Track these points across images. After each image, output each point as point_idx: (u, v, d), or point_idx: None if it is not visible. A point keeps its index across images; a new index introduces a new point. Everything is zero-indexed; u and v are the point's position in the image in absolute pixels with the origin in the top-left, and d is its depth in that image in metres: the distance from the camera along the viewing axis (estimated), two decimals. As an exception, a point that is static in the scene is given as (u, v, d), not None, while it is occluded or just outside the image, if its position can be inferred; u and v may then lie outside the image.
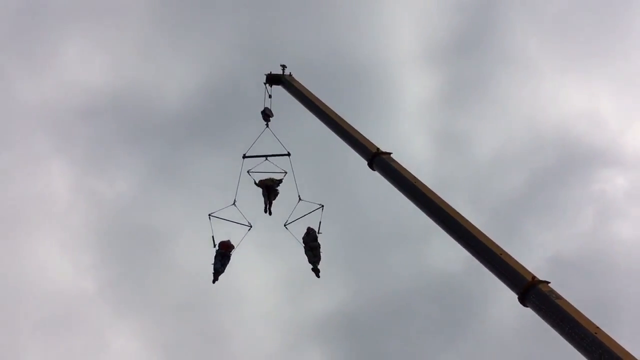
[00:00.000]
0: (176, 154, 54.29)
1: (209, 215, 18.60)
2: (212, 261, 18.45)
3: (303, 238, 18.62)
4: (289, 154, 19.46)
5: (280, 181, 19.08)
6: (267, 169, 19.37)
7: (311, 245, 18.21)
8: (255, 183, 19.05)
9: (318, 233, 18.50)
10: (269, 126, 20.40)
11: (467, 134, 55.72)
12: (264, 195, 18.86)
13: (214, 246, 18.60)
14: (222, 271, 18.43)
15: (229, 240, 18.74)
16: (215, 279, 18.20)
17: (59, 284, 51.06)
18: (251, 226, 19.02)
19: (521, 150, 52.79)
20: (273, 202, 18.95)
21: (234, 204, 19.02)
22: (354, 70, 56.51)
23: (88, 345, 54.06)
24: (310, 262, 18.22)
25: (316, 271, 18.21)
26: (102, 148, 54.61)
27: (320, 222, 18.51)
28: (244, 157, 19.32)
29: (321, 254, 18.37)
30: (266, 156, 19.35)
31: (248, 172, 19.19)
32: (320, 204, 18.77)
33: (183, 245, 47.96)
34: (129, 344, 52.76)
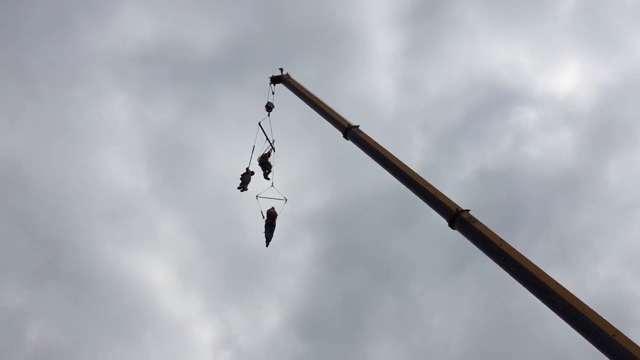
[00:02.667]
0: (207, 91, 75.17)
1: (257, 196, 23.10)
2: (263, 230, 22.66)
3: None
4: (274, 149, 24.51)
5: (269, 154, 23.54)
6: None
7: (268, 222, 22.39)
8: (258, 164, 23.48)
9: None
10: (270, 116, 24.94)
11: (421, 79, 76.85)
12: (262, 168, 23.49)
13: (263, 218, 22.74)
14: (271, 237, 22.60)
15: (273, 208, 22.92)
16: (267, 245, 22.49)
17: (120, 184, 70.88)
18: (286, 199, 23.34)
19: (459, 92, 71.82)
20: (270, 170, 23.42)
21: (272, 185, 23.70)
22: (336, 30, 75.81)
23: (142, 229, 75.01)
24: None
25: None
26: (151, 85, 75.23)
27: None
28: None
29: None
30: (266, 137, 23.93)
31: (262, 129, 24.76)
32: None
33: (211, 158, 69.61)
34: (172, 229, 72.92)
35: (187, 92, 76.22)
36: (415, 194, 15.99)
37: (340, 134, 19.45)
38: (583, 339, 11.63)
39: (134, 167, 74.31)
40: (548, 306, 12.24)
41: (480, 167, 71.01)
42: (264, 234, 22.38)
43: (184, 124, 74.65)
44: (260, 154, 24.14)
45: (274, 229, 22.55)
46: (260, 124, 24.34)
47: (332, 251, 74.05)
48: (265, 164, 23.74)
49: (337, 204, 68.36)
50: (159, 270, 77.82)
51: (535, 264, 12.97)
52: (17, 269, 64.98)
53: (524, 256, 13.17)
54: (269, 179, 23.75)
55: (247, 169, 24.14)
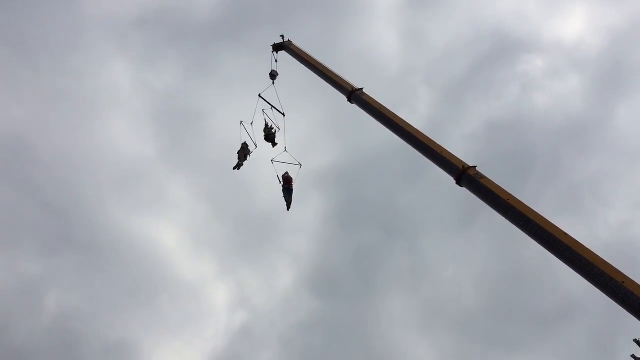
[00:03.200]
0: (209, 52, 73.45)
1: (272, 160, 23.36)
2: (282, 194, 22.93)
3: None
4: (283, 115, 24.09)
5: (271, 127, 23.61)
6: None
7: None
8: (264, 137, 23.51)
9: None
10: (275, 84, 24.79)
11: (424, 31, 74.48)
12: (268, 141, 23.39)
13: (280, 183, 22.98)
14: (291, 201, 22.89)
15: (287, 173, 23.11)
16: (288, 209, 22.81)
17: (128, 151, 71.03)
18: (301, 165, 23.41)
19: (464, 42, 69.65)
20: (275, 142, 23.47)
21: (285, 150, 23.68)
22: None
23: (152, 195, 74.75)
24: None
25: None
26: (151, 49, 72.72)
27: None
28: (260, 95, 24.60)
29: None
30: (272, 106, 23.80)
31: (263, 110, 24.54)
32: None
33: (216, 121, 66.65)
34: (182, 193, 72.85)
35: (188, 54, 75.13)
36: (422, 153, 16.06)
37: (345, 98, 19.47)
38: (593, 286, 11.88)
39: (140, 133, 74.40)
40: (557, 257, 12.42)
41: (487, 119, 70.99)
42: (283, 198, 22.68)
43: (187, 87, 74.11)
44: (264, 128, 24.01)
45: (292, 192, 22.81)
46: (261, 95, 24.18)
47: (342, 209, 74.78)
48: (269, 135, 23.70)
49: (345, 162, 68.61)
50: (171, 234, 78.91)
51: (544, 215, 13.12)
52: (32, 239, 65.89)
53: (532, 209, 13.30)
54: (276, 144, 23.74)
55: (243, 144, 24.00)
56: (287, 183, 22.55)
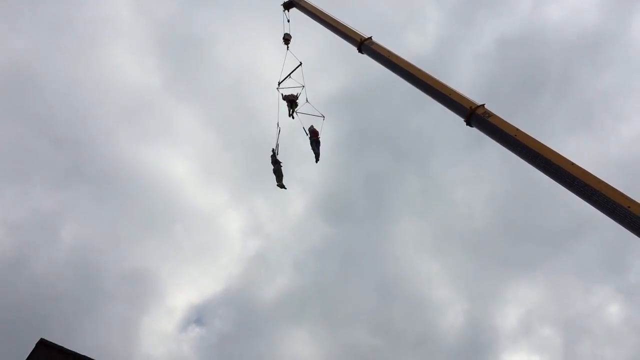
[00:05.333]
0: None
1: (294, 111, 23.57)
2: (310, 147, 23.43)
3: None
4: (300, 63, 23.81)
5: (298, 96, 23.57)
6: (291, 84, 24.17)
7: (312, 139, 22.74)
8: (282, 98, 23.66)
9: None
10: (289, 48, 24.66)
11: None
12: (287, 106, 23.48)
13: (307, 135, 23.51)
14: (319, 152, 23.45)
15: (312, 126, 23.52)
16: (317, 160, 23.38)
17: (133, 82, 71.52)
18: (324, 117, 23.64)
19: None
20: (296, 109, 23.49)
21: (306, 101, 23.94)
22: None
23: (160, 126, 76.15)
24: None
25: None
26: None
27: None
28: (279, 84, 24.35)
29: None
30: (289, 75, 23.89)
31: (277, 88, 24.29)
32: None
33: (222, 47, 69.01)
34: (190, 123, 74.16)
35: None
36: (432, 97, 16.16)
37: (355, 49, 19.54)
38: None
39: (144, 63, 74.21)
40: (566, 187, 12.53)
41: (500, 35, 68.37)
42: (312, 150, 23.06)
43: (189, 14, 72.62)
44: (289, 94, 23.94)
45: (320, 144, 23.17)
46: (279, 89, 24.03)
47: (352, 135, 74.30)
48: (292, 101, 23.76)
49: (354, 86, 67.42)
50: (181, 165, 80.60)
51: (551, 147, 13.18)
52: (42, 173, 67.38)
53: (539, 142, 13.36)
54: (292, 117, 23.79)
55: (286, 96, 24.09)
56: (314, 135, 22.92)
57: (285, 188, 23.08)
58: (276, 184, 23.10)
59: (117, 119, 70.80)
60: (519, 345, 71.62)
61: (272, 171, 23.17)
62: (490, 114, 14.48)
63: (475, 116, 14.68)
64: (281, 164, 22.88)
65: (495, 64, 67.30)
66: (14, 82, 64.08)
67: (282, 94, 23.89)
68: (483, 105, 14.79)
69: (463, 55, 69.02)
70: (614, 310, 70.91)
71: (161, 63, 74.87)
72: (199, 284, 76.03)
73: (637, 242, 11.00)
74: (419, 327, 71.13)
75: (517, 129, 13.81)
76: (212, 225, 79.72)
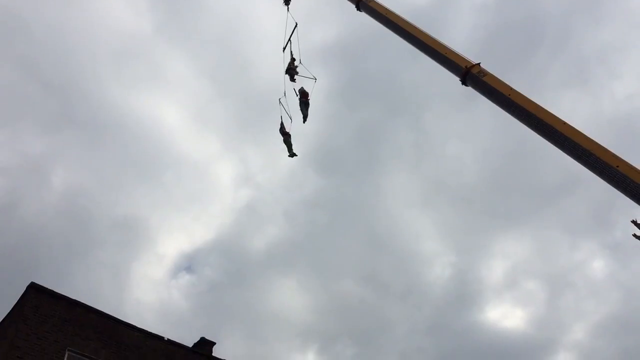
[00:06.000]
0: None
1: (285, 73, 22.75)
2: (299, 108, 23.25)
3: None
4: (296, 24, 23.23)
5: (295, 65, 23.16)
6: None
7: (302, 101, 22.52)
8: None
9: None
10: (289, 9, 24.01)
11: None
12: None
13: (296, 95, 23.34)
14: (307, 114, 23.32)
15: (302, 88, 23.22)
16: (305, 121, 23.22)
17: (123, 26, 69.74)
18: (316, 79, 23.02)
19: None
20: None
21: (300, 63, 23.12)
22: None
23: (151, 72, 75.28)
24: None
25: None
26: None
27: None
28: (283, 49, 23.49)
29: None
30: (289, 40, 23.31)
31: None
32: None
33: None
34: (181, 70, 72.99)
35: None
36: (428, 55, 16.15)
37: (353, 7, 19.40)
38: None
39: (134, 6, 72.76)
40: (557, 147, 12.66)
41: None
42: (300, 111, 22.88)
43: None
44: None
45: (309, 106, 23.01)
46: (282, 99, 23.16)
47: (345, 86, 73.81)
48: (291, 69, 23.21)
49: (349, 36, 65.83)
50: (172, 112, 79.79)
51: (544, 106, 13.27)
52: (31, 117, 66.83)
53: (532, 102, 13.45)
54: (294, 80, 23.32)
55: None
56: (303, 97, 22.72)
57: (296, 155, 22.99)
58: (287, 154, 23.01)
59: (107, 65, 69.56)
60: (504, 298, 72.97)
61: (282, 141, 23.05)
62: (485, 73, 14.50)
63: (471, 75, 14.70)
64: (290, 135, 22.74)
65: (493, 17, 66.63)
66: (2, 24, 62.61)
67: (294, 89, 23.21)
68: (479, 64, 14.80)
69: (461, 7, 68.39)
70: (598, 266, 72.19)
71: (152, 7, 73.22)
72: (190, 232, 76.28)
73: (625, 199, 11.20)
74: (406, 279, 72.20)
75: (512, 89, 13.86)
76: (203, 174, 79.59)
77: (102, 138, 70.75)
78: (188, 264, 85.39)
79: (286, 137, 22.56)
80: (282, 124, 22.84)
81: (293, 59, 22.80)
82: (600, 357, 63.09)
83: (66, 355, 15.55)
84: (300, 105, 22.75)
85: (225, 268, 78.19)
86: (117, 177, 70.86)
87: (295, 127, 23.01)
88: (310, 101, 22.66)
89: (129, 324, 17.38)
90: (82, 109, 72.05)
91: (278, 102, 23.08)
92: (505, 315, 73.85)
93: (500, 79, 14.25)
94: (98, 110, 70.58)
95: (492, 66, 14.71)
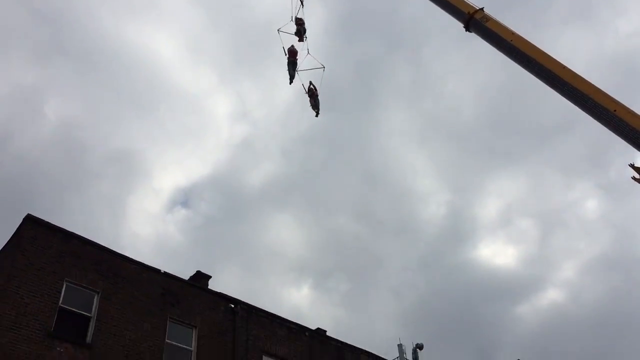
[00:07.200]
0: None
1: (278, 30, 22.54)
2: (287, 68, 22.94)
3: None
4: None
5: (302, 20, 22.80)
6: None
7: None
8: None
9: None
10: None
11: None
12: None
13: (285, 55, 22.93)
14: (294, 74, 22.98)
15: (292, 46, 22.86)
16: (291, 82, 22.91)
17: None
18: (324, 67, 22.76)
19: None
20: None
21: (308, 53, 22.99)
22: None
23: (144, 0, 74.70)
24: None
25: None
26: None
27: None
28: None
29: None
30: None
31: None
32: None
33: None
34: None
35: None
36: (431, 1, 16.42)
37: None
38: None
39: None
40: (556, 91, 13.31)
41: None
42: (287, 71, 22.57)
43: None
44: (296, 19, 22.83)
45: (296, 66, 22.69)
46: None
47: (344, 20, 73.52)
48: (299, 30, 22.75)
49: None
50: (167, 43, 78.79)
51: (544, 47, 13.86)
52: (22, 47, 66.00)
53: (533, 46, 14.03)
54: (303, 40, 22.88)
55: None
56: (292, 56, 22.43)
57: (319, 112, 22.73)
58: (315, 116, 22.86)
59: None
60: (497, 236, 75.92)
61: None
62: (488, 18, 14.93)
63: (474, 22, 15.11)
64: (317, 95, 22.47)
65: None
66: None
67: (303, 85, 22.73)
68: (482, 9, 15.20)
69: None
70: (592, 205, 75.63)
71: None
72: (185, 167, 75.62)
73: (621, 141, 11.99)
74: (401, 216, 74.11)
75: (513, 33, 14.35)
76: (198, 108, 78.30)
77: (95, 69, 68.41)
78: (184, 199, 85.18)
79: (311, 99, 22.24)
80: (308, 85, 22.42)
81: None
82: (588, 295, 66.84)
83: (64, 286, 15.70)
84: (287, 64, 22.33)
85: (221, 203, 78.06)
86: (110, 110, 69.03)
87: (277, 44, 22.41)
88: (300, 60, 22.17)
89: (126, 256, 17.58)
90: (73, 38, 69.05)
91: (277, 32, 22.60)
92: (497, 253, 76.88)
93: (503, 23, 14.75)
94: (90, 41, 67.93)
95: (493, 3, 14.96)
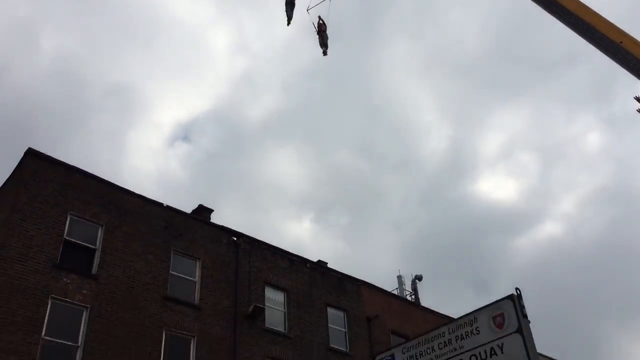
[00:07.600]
0: None
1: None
2: (284, 8, 22.25)
3: None
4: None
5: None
6: None
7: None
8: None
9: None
10: None
11: None
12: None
13: (315, 29, 21.83)
14: (292, 16, 22.32)
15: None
16: (288, 24, 22.29)
17: None
18: None
19: None
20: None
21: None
22: None
23: None
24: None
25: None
26: None
27: None
28: None
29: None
30: None
31: None
32: None
33: None
34: None
35: None
36: None
37: None
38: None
39: None
40: (561, 22, 12.97)
41: None
42: (285, 12, 21.94)
43: None
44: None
45: (294, 7, 22.03)
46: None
47: None
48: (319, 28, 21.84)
49: None
50: None
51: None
52: None
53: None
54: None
55: None
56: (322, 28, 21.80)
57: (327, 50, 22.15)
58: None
59: None
60: (497, 169, 76.45)
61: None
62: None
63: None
64: (325, 30, 21.80)
65: None
66: None
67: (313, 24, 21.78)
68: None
69: None
70: (594, 138, 75.74)
71: None
72: (185, 101, 75.18)
73: (627, 73, 11.80)
74: (402, 150, 74.40)
75: None
76: (197, 40, 77.04)
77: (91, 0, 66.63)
78: (184, 134, 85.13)
79: (323, 47, 21.68)
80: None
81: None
82: (587, 228, 67.77)
83: (68, 219, 15.91)
84: (285, 5, 21.32)
85: (222, 138, 78.04)
86: (107, 42, 67.77)
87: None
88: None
89: (128, 190, 17.72)
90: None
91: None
92: (498, 187, 77.43)
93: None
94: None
95: None
